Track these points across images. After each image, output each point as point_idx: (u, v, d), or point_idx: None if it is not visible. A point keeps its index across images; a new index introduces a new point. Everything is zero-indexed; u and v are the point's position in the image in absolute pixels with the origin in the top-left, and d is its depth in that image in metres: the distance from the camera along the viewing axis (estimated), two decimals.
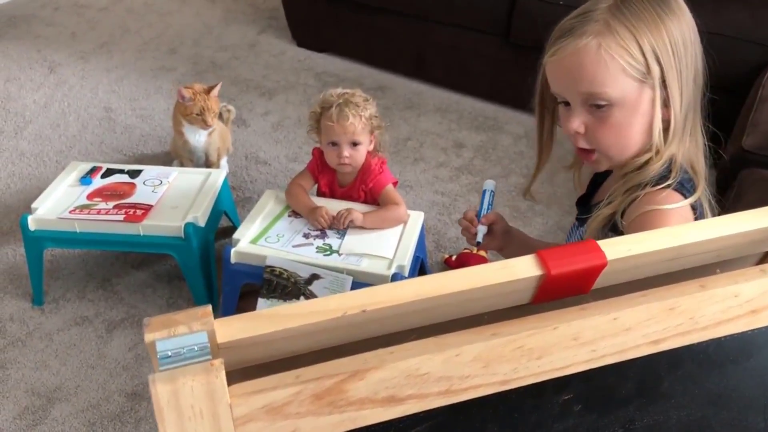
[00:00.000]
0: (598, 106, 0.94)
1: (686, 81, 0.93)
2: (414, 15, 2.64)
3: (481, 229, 1.20)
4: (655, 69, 0.91)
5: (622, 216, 0.95)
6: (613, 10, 0.91)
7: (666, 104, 0.94)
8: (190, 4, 3.48)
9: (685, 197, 0.94)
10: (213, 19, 3.33)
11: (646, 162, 0.95)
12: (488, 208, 1.21)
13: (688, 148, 0.98)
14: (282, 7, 3.01)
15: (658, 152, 0.94)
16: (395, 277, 1.52)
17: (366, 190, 1.75)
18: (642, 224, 0.91)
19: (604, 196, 1.01)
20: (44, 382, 1.62)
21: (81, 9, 3.41)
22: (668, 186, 0.94)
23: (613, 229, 0.96)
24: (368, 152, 1.73)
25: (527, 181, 2.20)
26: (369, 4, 2.72)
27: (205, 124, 2.05)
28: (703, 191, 0.96)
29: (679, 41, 0.92)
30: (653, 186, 0.94)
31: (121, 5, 3.46)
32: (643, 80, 0.91)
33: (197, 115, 2.03)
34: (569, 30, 0.93)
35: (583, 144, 0.98)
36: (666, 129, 0.95)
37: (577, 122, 0.96)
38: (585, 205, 1.14)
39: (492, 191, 1.22)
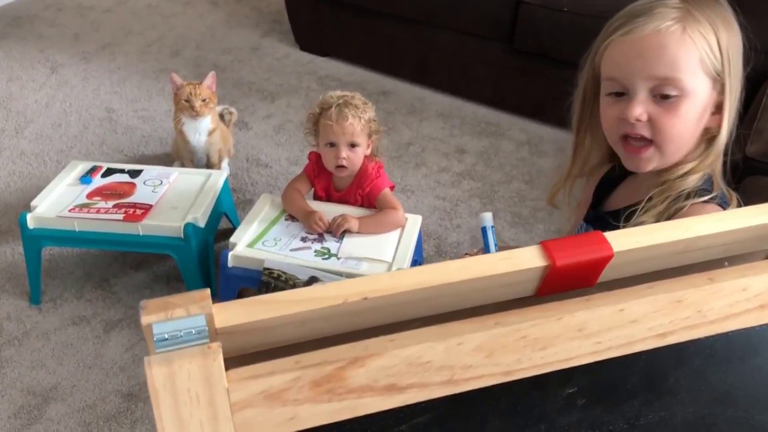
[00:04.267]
0: (664, 96, 0.88)
1: (739, 92, 0.91)
2: (417, 20, 2.64)
3: None
4: (727, 69, 0.88)
5: None
6: (691, 2, 0.88)
7: (717, 112, 0.91)
8: (194, 6, 3.48)
9: None
10: (216, 22, 3.33)
11: (688, 171, 0.91)
12: (494, 248, 1.15)
13: (721, 163, 0.94)
14: (285, 10, 3.01)
15: (702, 161, 0.91)
16: None
17: (363, 194, 1.74)
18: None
19: (621, 202, 0.97)
20: (40, 381, 1.61)
21: (84, 10, 3.42)
22: (713, 199, 0.90)
23: None
24: (365, 156, 1.72)
25: (529, 187, 2.22)
26: (372, 9, 2.72)
27: (192, 111, 2.02)
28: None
29: (740, 50, 0.90)
30: (695, 197, 0.90)
31: (125, 7, 3.46)
32: (714, 78, 0.88)
33: (185, 101, 2.02)
34: (647, 11, 0.88)
35: (644, 132, 0.90)
36: (711, 138, 0.91)
37: (639, 109, 0.88)
38: (596, 210, 1.11)
39: (492, 227, 1.16)
